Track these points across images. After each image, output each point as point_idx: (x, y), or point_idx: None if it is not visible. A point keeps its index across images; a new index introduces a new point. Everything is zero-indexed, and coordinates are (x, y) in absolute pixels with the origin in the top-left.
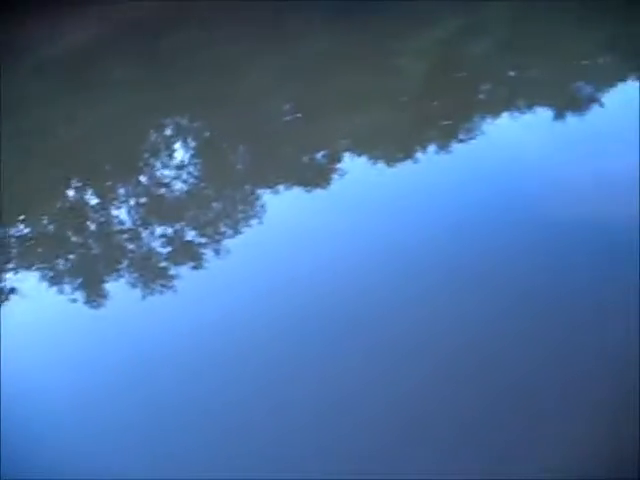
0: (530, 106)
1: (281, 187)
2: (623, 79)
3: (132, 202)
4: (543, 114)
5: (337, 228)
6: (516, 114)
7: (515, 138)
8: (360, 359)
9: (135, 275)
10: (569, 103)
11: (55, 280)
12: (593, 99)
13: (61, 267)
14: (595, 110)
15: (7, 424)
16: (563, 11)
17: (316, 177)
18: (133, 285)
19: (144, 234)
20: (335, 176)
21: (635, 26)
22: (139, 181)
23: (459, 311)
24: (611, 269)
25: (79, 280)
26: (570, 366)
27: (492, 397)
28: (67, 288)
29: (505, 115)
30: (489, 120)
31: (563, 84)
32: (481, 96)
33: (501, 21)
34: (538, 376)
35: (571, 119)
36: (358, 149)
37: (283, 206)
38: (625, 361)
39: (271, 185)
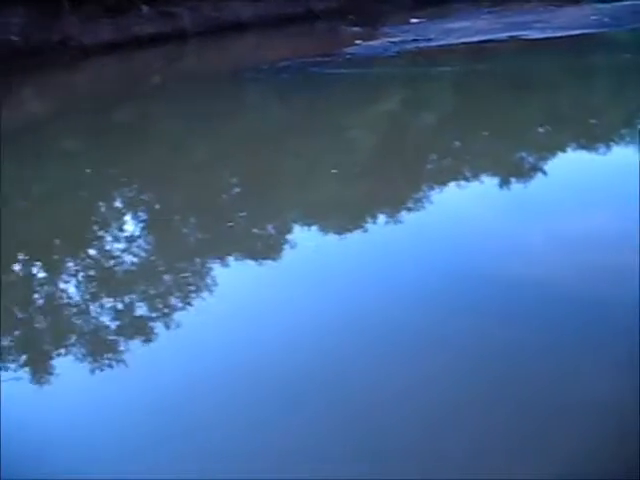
0: (476, 174)
1: (232, 259)
2: (562, 147)
3: (81, 276)
4: (489, 182)
5: (289, 299)
6: (463, 182)
7: (464, 206)
8: (319, 432)
9: (83, 350)
10: (513, 171)
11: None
12: (536, 166)
13: (5, 343)
14: (538, 177)
15: None
16: (503, 81)
17: (267, 249)
18: (81, 360)
19: (93, 308)
20: (286, 247)
21: (568, 96)
22: (88, 254)
23: (420, 376)
24: (566, 327)
25: (24, 357)
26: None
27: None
28: (12, 365)
29: (452, 183)
30: (437, 189)
31: (506, 153)
32: (429, 166)
33: (442, 94)
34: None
35: (516, 186)
36: (309, 220)
37: (234, 278)
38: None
39: (222, 257)
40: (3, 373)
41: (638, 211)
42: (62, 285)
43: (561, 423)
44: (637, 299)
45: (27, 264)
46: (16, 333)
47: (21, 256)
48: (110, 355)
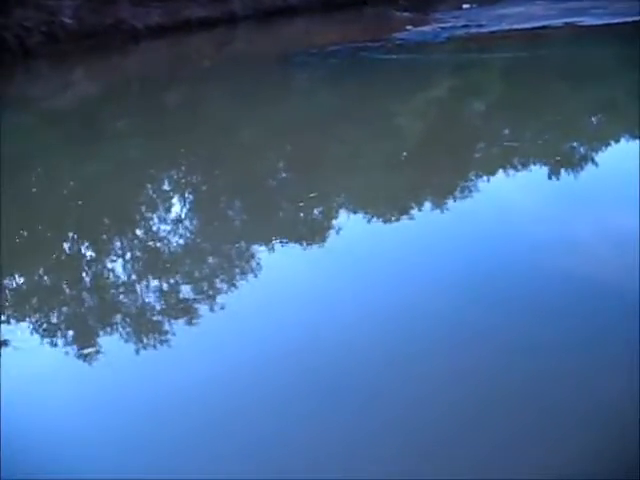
0: (525, 164)
1: (277, 243)
2: (615, 138)
3: (128, 255)
4: (538, 172)
5: (333, 285)
6: (511, 172)
7: (511, 196)
8: (359, 418)
9: (129, 329)
10: (563, 161)
11: (48, 333)
12: (587, 157)
13: (55, 320)
14: (589, 168)
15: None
16: (557, 69)
17: (312, 234)
18: (126, 339)
19: (139, 288)
20: (331, 233)
21: (624, 86)
22: (135, 234)
23: (461, 368)
24: (611, 325)
25: (72, 333)
26: (568, 420)
27: (489, 451)
28: (60, 341)
29: (500, 173)
30: (485, 178)
31: (556, 142)
32: (476, 155)
33: (493, 81)
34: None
35: (566, 177)
36: (354, 206)
37: (278, 262)
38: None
39: (267, 241)
40: (52, 348)
41: None
42: (110, 264)
43: (592, 420)
44: None
45: (76, 243)
46: (64, 310)
47: (71, 235)
48: (154, 335)
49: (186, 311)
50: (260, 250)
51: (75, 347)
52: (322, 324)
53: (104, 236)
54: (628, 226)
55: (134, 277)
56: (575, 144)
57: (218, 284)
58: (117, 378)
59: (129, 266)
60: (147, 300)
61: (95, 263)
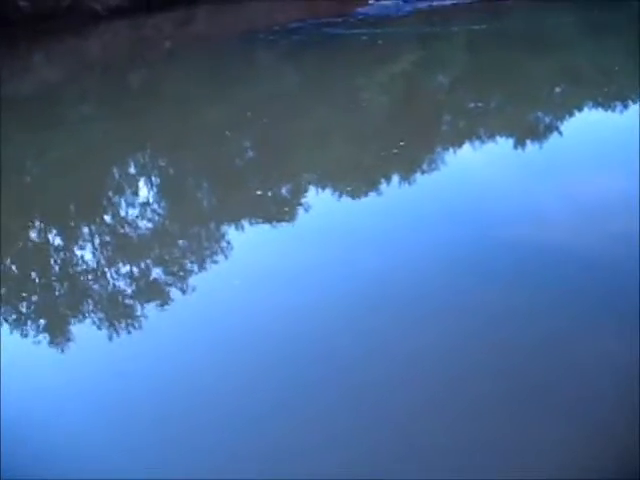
0: (490, 136)
1: (246, 222)
2: (579, 107)
3: (96, 241)
4: (503, 143)
5: (303, 262)
6: (477, 144)
7: (477, 167)
8: (337, 398)
9: (100, 315)
10: (528, 132)
11: (18, 322)
12: (551, 127)
13: (24, 309)
14: (554, 138)
15: None
16: (519, 39)
17: (281, 212)
18: (99, 326)
19: (109, 273)
20: (300, 210)
21: (585, 54)
22: (103, 220)
23: (434, 341)
24: (586, 292)
25: (43, 322)
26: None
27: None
28: (31, 330)
29: (467, 145)
30: (451, 151)
31: (521, 113)
32: (443, 127)
33: (457, 53)
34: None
35: (531, 147)
36: (323, 183)
37: (249, 242)
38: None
39: (236, 221)
40: (23, 339)
41: None
42: (78, 251)
43: (569, 389)
44: None
45: (43, 231)
46: (34, 299)
47: (37, 223)
48: (127, 320)
49: (157, 294)
50: (230, 230)
51: (46, 335)
52: (296, 302)
53: (72, 222)
54: (594, 194)
55: (104, 263)
56: (540, 114)
57: (188, 266)
58: (90, 365)
59: (98, 252)
60: (118, 285)
61: (64, 250)
